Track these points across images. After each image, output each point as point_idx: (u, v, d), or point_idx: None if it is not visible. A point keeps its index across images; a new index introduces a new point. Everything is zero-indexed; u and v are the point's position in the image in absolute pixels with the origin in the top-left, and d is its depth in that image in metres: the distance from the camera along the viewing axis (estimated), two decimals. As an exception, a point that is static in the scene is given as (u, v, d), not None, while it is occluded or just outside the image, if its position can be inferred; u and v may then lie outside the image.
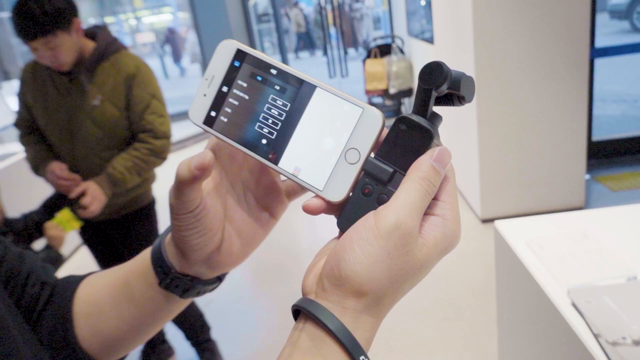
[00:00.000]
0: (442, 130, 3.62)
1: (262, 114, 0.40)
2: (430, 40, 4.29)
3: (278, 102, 0.40)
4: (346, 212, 0.38)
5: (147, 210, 2.13)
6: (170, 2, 11.25)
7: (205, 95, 0.42)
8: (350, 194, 0.38)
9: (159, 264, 0.48)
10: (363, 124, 0.38)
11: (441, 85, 0.36)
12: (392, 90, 5.38)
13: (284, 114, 0.40)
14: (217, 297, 3.03)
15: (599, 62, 3.84)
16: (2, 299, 0.51)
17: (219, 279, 0.51)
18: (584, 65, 3.08)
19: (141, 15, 11.82)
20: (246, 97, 0.41)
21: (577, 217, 1.53)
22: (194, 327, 2.35)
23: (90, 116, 1.84)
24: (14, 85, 1.96)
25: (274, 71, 0.40)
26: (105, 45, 1.87)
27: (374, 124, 0.37)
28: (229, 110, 0.41)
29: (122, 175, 1.86)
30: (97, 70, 1.85)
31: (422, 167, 0.36)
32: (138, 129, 1.90)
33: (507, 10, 2.98)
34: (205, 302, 2.92)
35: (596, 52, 3.62)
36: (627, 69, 7.37)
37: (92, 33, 1.90)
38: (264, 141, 0.40)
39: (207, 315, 2.42)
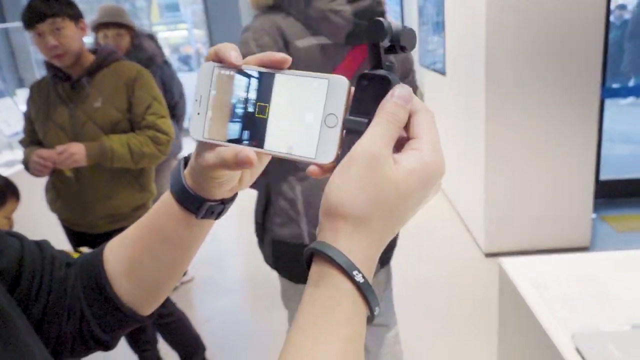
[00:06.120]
0: (451, 161, 3.60)
1: (249, 113, 0.47)
2: (441, 72, 4.32)
3: (259, 98, 0.46)
4: None
5: None
6: (186, 19, 11.44)
7: (198, 113, 0.49)
8: (339, 152, 0.43)
9: (190, 201, 0.54)
10: (333, 91, 0.43)
11: (385, 38, 0.42)
12: (401, 118, 5.40)
13: (266, 107, 0.46)
14: (214, 318, 3.00)
15: (609, 102, 3.85)
16: (9, 302, 0.52)
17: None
18: (594, 104, 3.09)
19: (157, 30, 11.99)
20: (228, 102, 0.48)
21: (584, 259, 1.51)
22: (189, 348, 2.33)
23: (91, 118, 1.90)
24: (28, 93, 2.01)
25: (244, 75, 0.47)
26: (105, 55, 1.96)
27: (341, 89, 0.43)
28: (217, 118, 0.48)
29: (113, 144, 1.86)
30: (97, 75, 1.93)
31: (383, 105, 0.41)
32: (140, 128, 1.96)
33: (520, 47, 3.01)
34: (202, 322, 2.89)
35: (607, 92, 3.63)
36: (637, 109, 7.39)
37: (94, 50, 2.00)
38: (252, 134, 0.47)
39: (203, 336, 2.40)
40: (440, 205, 4.28)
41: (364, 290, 0.40)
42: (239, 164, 0.46)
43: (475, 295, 2.94)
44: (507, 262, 1.48)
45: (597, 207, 3.75)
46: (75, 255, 1.98)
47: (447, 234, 3.80)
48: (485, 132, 3.16)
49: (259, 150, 0.46)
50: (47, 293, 0.57)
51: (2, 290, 0.53)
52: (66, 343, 0.59)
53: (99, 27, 2.82)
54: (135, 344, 2.30)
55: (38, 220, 2.41)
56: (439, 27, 4.27)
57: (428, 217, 3.97)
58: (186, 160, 0.55)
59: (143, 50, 2.97)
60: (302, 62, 1.36)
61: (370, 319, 0.41)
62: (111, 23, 2.83)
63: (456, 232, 3.78)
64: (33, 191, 2.35)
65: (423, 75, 5.27)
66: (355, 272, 0.39)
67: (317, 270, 0.41)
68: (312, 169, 0.45)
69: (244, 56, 0.48)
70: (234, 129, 0.47)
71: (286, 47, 1.36)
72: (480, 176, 3.29)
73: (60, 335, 0.58)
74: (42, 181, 2.08)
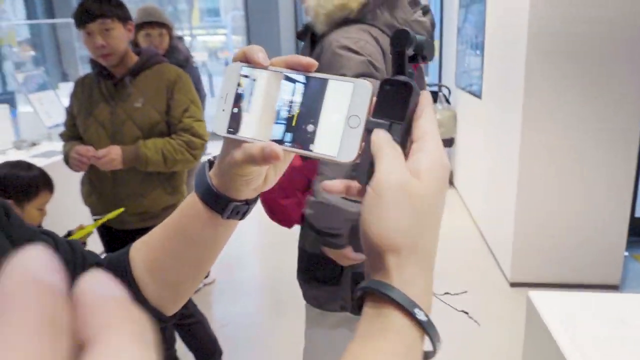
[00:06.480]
0: (482, 186, 3.51)
1: (275, 112, 0.48)
2: (477, 94, 4.28)
3: (285, 98, 0.48)
4: (362, 167, 0.44)
5: None
6: (226, 25, 11.67)
7: (223, 110, 0.51)
8: (360, 152, 0.44)
9: (216, 201, 0.54)
10: (357, 94, 0.45)
11: (410, 47, 0.44)
12: (432, 138, 5.36)
13: (291, 107, 0.47)
14: (231, 321, 3.01)
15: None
16: None
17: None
18: (634, 138, 3.01)
19: (197, 33, 12.25)
20: (254, 101, 0.49)
21: (615, 299, 1.47)
22: (206, 350, 2.34)
23: (131, 117, 1.95)
24: (71, 87, 2.08)
25: (271, 76, 0.48)
26: (148, 57, 2.03)
27: (365, 92, 0.45)
28: (247, 115, 0.49)
29: (147, 149, 1.92)
30: (140, 75, 1.99)
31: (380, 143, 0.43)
32: (176, 131, 2.00)
33: (559, 77, 2.96)
34: (220, 326, 2.90)
35: (648, 128, 3.53)
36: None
37: (138, 51, 2.05)
38: (286, 133, 0.48)
39: (220, 339, 2.40)
40: (468, 230, 4.22)
41: (426, 328, 0.38)
42: (266, 158, 0.46)
43: (498, 325, 2.88)
44: (536, 296, 1.44)
45: (630, 245, 3.64)
46: (88, 228, 1.97)
47: (473, 260, 3.73)
48: (519, 159, 3.11)
49: (283, 147, 0.47)
50: None
51: None
52: None
53: (141, 26, 2.89)
54: (153, 343, 2.32)
55: (71, 214, 2.47)
56: (478, 48, 4.24)
57: (455, 242, 3.91)
58: (210, 162, 0.56)
59: (179, 51, 3.06)
60: None
61: (431, 355, 0.40)
62: (155, 23, 2.90)
63: (482, 259, 3.71)
64: (68, 182, 2.40)
65: (458, 97, 5.23)
66: (416, 310, 0.38)
67: (372, 309, 0.40)
68: (327, 183, 0.46)
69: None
70: (259, 126, 0.49)
71: (383, 57, 1.33)
72: (512, 204, 3.23)
73: None
74: (78, 174, 2.13)
